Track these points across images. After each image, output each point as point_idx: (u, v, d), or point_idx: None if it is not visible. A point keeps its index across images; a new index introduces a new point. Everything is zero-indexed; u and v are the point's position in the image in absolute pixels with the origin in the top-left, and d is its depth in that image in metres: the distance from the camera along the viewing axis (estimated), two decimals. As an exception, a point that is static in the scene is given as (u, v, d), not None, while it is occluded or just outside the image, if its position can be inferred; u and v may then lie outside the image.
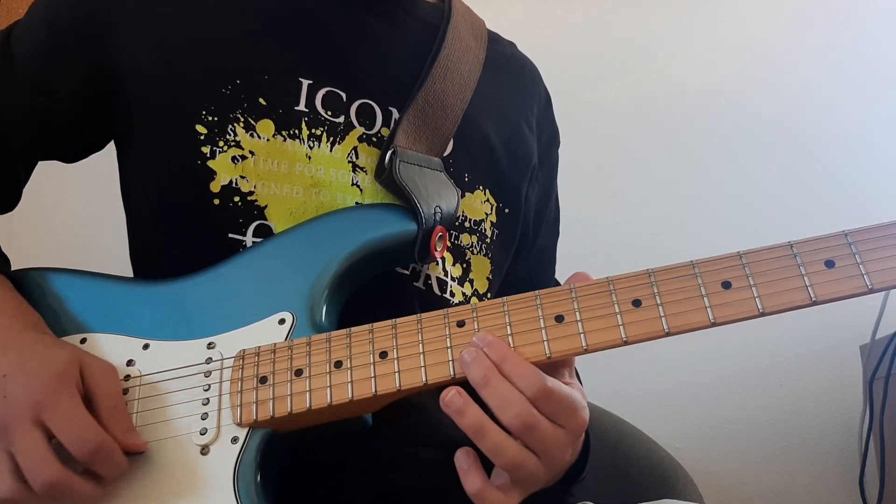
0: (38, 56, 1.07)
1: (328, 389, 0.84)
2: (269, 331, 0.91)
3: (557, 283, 1.19)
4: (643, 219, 2.35)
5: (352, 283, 0.97)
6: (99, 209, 2.11)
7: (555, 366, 0.85)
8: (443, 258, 1.06)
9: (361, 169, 1.04)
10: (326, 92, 1.04)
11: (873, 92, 2.42)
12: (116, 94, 1.05)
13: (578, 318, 0.82)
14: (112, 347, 0.92)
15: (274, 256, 0.96)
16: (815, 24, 2.48)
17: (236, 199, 0.99)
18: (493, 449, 0.80)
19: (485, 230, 1.11)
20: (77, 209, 2.32)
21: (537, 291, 0.85)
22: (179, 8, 1.06)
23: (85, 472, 0.82)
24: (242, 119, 1.00)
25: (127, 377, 0.91)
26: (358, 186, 1.03)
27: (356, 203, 1.02)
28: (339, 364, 0.86)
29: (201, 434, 0.86)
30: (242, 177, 0.99)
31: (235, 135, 1.00)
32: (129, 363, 0.92)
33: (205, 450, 0.85)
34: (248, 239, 0.99)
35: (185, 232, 1.03)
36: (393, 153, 1.01)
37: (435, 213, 0.99)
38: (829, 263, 0.78)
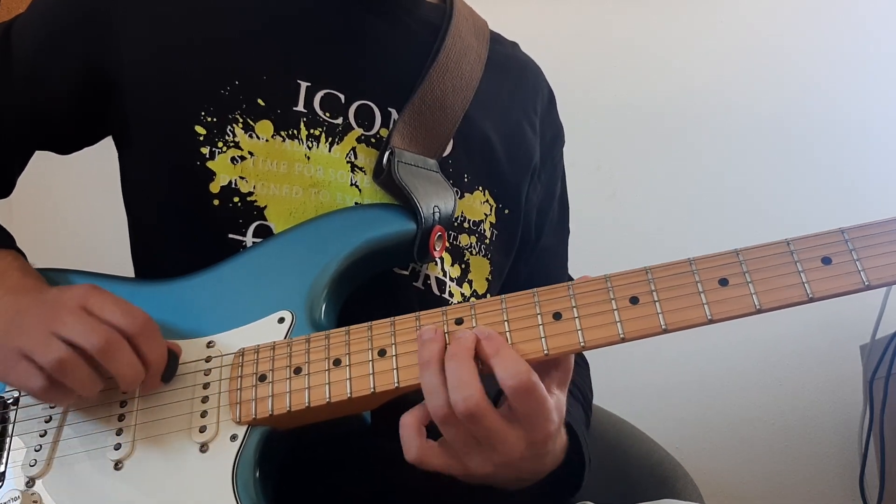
0: (37, 52, 1.07)
1: (327, 387, 0.85)
2: (268, 329, 0.91)
3: (571, 279, 1.19)
4: (643, 219, 2.35)
5: (351, 283, 0.97)
6: (100, 209, 2.11)
7: (547, 372, 0.85)
8: (441, 258, 1.06)
9: (360, 169, 1.04)
10: (325, 94, 1.04)
11: (872, 91, 2.42)
12: (114, 93, 1.06)
13: (576, 315, 0.82)
14: (113, 346, 0.92)
15: (273, 256, 0.97)
16: (816, 23, 2.48)
17: (236, 199, 1.00)
18: (430, 390, 0.81)
19: (484, 231, 1.11)
20: (78, 209, 2.33)
21: (535, 289, 0.85)
22: (179, 8, 1.06)
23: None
24: (241, 120, 1.00)
25: (127, 375, 0.91)
26: (357, 187, 1.03)
27: (355, 203, 1.03)
28: (337, 362, 0.86)
29: (200, 431, 0.86)
30: (242, 177, 1.00)
31: (234, 135, 1.00)
32: (130, 361, 0.92)
33: (204, 447, 0.85)
34: (248, 239, 0.99)
35: (185, 232, 1.03)
36: (391, 154, 1.01)
37: (433, 212, 0.99)
38: (826, 260, 0.78)
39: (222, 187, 0.99)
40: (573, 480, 0.95)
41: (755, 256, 0.80)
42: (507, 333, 0.83)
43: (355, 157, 1.04)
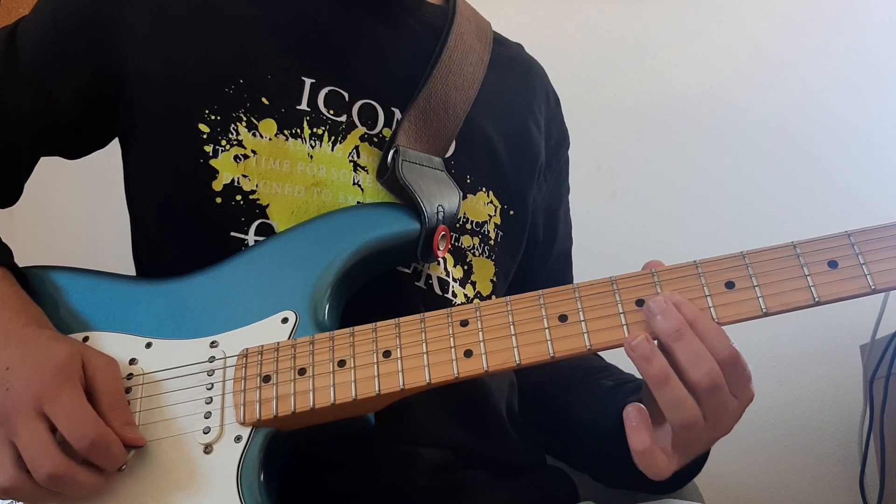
0: (43, 53, 1.07)
1: (331, 388, 0.85)
2: (272, 330, 0.91)
3: None
4: (643, 219, 2.35)
5: (354, 282, 0.97)
6: (102, 208, 2.11)
7: None
8: (444, 259, 1.06)
9: (363, 168, 1.04)
10: (329, 91, 1.04)
11: (875, 92, 2.42)
12: (120, 92, 1.06)
13: (582, 318, 0.82)
14: (115, 346, 0.92)
15: (276, 255, 0.97)
16: (816, 24, 2.48)
17: (238, 197, 0.99)
18: (673, 402, 0.79)
19: (488, 232, 1.11)
20: (80, 208, 2.32)
21: (541, 291, 0.85)
22: (183, 7, 1.06)
23: (86, 463, 0.82)
24: (245, 118, 1.00)
25: (130, 376, 0.91)
26: (359, 186, 1.03)
27: (357, 202, 1.02)
28: (342, 363, 0.86)
29: (204, 433, 0.86)
30: (244, 176, 1.00)
31: (238, 134, 1.00)
32: (132, 362, 0.92)
33: (208, 448, 0.85)
34: (250, 238, 0.99)
35: (187, 230, 1.03)
36: (395, 152, 1.01)
37: (438, 212, 0.99)
38: (833, 264, 0.78)
39: (225, 185, 0.99)
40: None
41: (761, 260, 0.81)
42: (513, 336, 0.83)
43: (358, 157, 1.04)
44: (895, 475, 1.94)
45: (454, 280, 1.07)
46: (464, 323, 0.85)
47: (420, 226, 0.98)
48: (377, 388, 0.84)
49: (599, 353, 1.14)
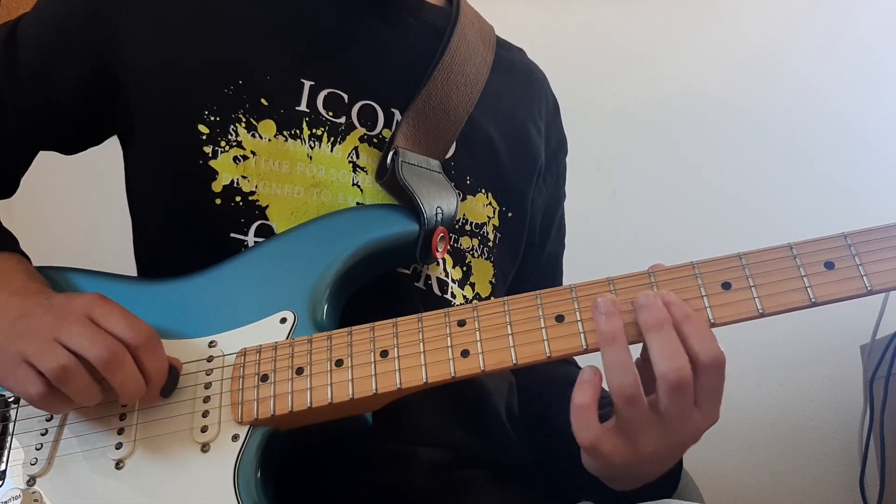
0: (42, 51, 1.07)
1: (329, 387, 0.85)
2: (270, 329, 0.91)
3: None
4: (643, 219, 2.35)
5: (353, 283, 0.97)
6: (102, 208, 2.11)
7: None
8: (443, 259, 1.06)
9: (362, 169, 1.04)
10: (328, 93, 1.04)
11: (874, 94, 2.42)
12: (119, 92, 1.06)
13: (579, 318, 0.82)
14: (114, 346, 0.92)
15: (276, 256, 0.97)
16: (816, 24, 2.48)
17: (238, 198, 1.00)
18: (616, 365, 0.79)
19: (487, 233, 1.11)
20: (80, 208, 2.33)
21: (538, 291, 0.85)
22: (183, 8, 1.06)
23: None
24: (244, 119, 1.00)
25: (129, 375, 0.91)
26: (358, 187, 1.03)
27: (357, 203, 1.03)
28: (339, 362, 0.86)
29: (202, 431, 0.86)
30: (244, 177, 1.00)
31: (237, 135, 1.00)
32: (132, 361, 0.92)
33: (205, 447, 0.86)
34: (250, 239, 1.00)
35: (187, 231, 1.03)
36: (394, 154, 1.01)
37: (436, 213, 0.99)
38: (829, 265, 0.79)
39: (224, 186, 1.00)
40: (672, 484, 0.95)
41: (758, 260, 0.81)
42: (510, 336, 0.83)
43: (357, 157, 1.04)
44: (895, 475, 1.94)
45: (453, 281, 1.07)
46: (461, 323, 0.85)
47: (419, 227, 0.98)
48: (374, 388, 0.84)
49: (575, 361, 1.15)
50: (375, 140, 1.05)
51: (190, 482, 0.84)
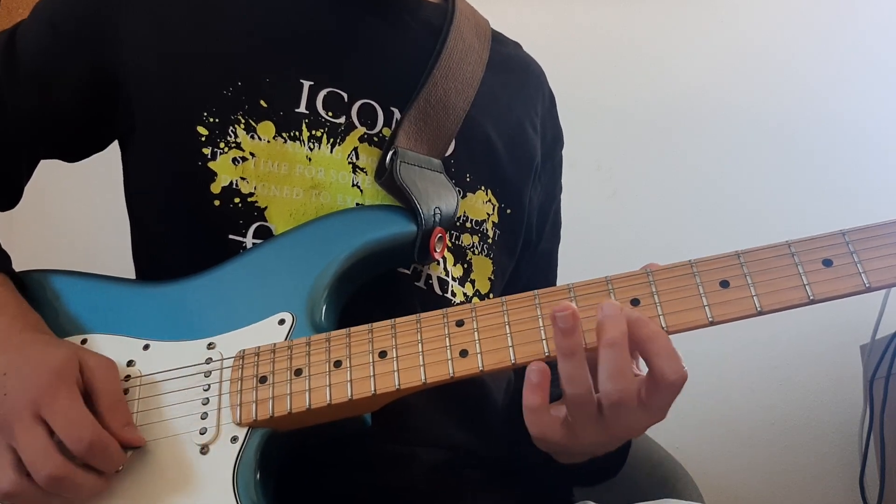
0: (42, 56, 1.07)
1: (327, 389, 0.85)
2: (268, 331, 0.91)
3: None
4: (643, 219, 2.35)
5: (351, 284, 0.97)
6: (101, 210, 2.11)
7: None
8: (444, 258, 1.06)
9: (362, 170, 1.04)
10: (327, 93, 1.04)
11: (873, 93, 2.42)
12: (118, 95, 1.06)
13: None
14: (112, 348, 0.92)
15: (274, 257, 0.97)
16: (816, 24, 2.48)
17: (237, 200, 1.00)
18: (572, 379, 0.79)
19: (486, 230, 1.11)
20: (80, 210, 2.33)
21: (536, 291, 0.85)
22: (181, 10, 1.06)
23: (87, 466, 0.82)
24: (243, 121, 1.01)
25: (127, 377, 0.91)
26: (358, 187, 1.03)
27: (357, 204, 1.03)
28: (338, 363, 0.86)
29: (201, 433, 0.86)
30: (243, 178, 1.00)
31: (236, 136, 1.00)
32: (130, 363, 0.92)
33: (204, 449, 0.85)
34: (249, 240, 0.99)
35: (186, 233, 1.03)
36: (394, 154, 1.01)
37: (434, 214, 0.99)
38: (827, 262, 0.78)
39: (223, 188, 1.00)
40: (619, 462, 0.98)
41: (756, 258, 0.81)
42: (508, 336, 0.83)
43: (357, 158, 1.04)
44: (895, 475, 1.94)
45: (453, 279, 1.07)
46: (459, 323, 0.85)
47: (417, 228, 0.98)
48: (373, 389, 0.84)
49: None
50: (376, 139, 1.05)
51: (189, 484, 0.84)
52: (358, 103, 1.06)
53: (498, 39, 1.24)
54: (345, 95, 1.05)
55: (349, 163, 1.03)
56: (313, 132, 1.02)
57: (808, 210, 2.31)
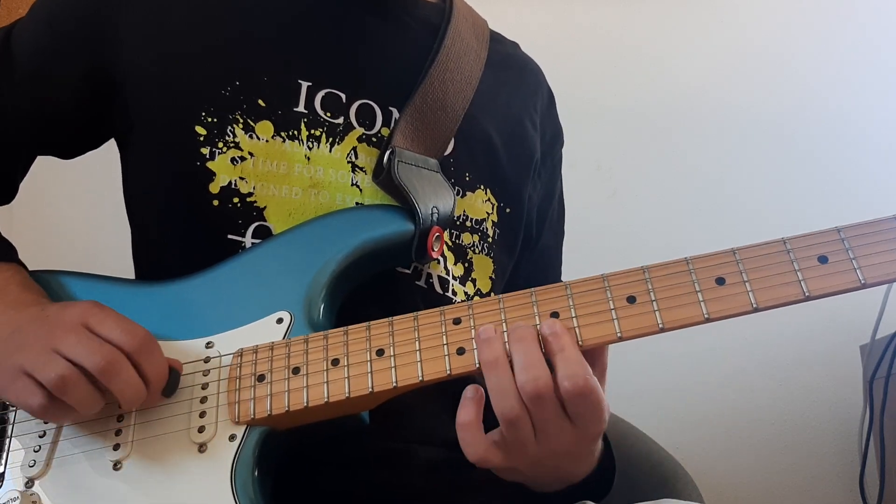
0: (39, 55, 1.07)
1: (325, 386, 0.85)
2: (267, 330, 0.92)
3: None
4: (643, 219, 2.35)
5: (349, 283, 0.98)
6: (101, 211, 2.12)
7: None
8: (444, 257, 1.06)
9: (361, 169, 1.04)
10: (326, 93, 1.05)
11: (872, 92, 2.42)
12: (115, 95, 1.06)
13: (573, 315, 0.82)
14: (112, 348, 0.93)
15: (272, 257, 0.97)
16: (816, 24, 2.48)
17: (235, 200, 1.00)
18: (499, 390, 0.80)
19: (486, 229, 1.11)
20: (79, 211, 2.33)
21: (532, 289, 0.85)
22: (180, 9, 1.06)
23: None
24: (242, 120, 1.01)
25: (126, 377, 0.91)
26: (357, 187, 1.03)
27: (356, 203, 1.03)
28: (335, 361, 0.86)
29: (199, 432, 0.86)
30: (241, 178, 1.00)
31: (234, 136, 1.00)
32: (129, 363, 0.92)
33: (202, 447, 0.86)
34: (247, 240, 1.00)
35: (185, 233, 1.03)
36: (391, 153, 1.01)
37: (432, 213, 0.99)
38: (822, 259, 0.78)
39: (222, 188, 1.00)
40: (603, 487, 0.96)
41: (752, 255, 0.81)
42: (506, 333, 0.83)
43: (356, 157, 1.04)
44: (895, 475, 1.94)
45: (454, 278, 1.07)
46: (456, 321, 0.85)
47: (414, 226, 0.98)
48: (370, 386, 0.84)
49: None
50: (374, 139, 1.05)
51: (187, 482, 0.84)
52: (356, 104, 1.06)
53: (496, 39, 1.25)
54: (343, 96, 1.05)
55: (348, 162, 1.04)
56: (312, 132, 1.03)
57: (809, 210, 2.31)
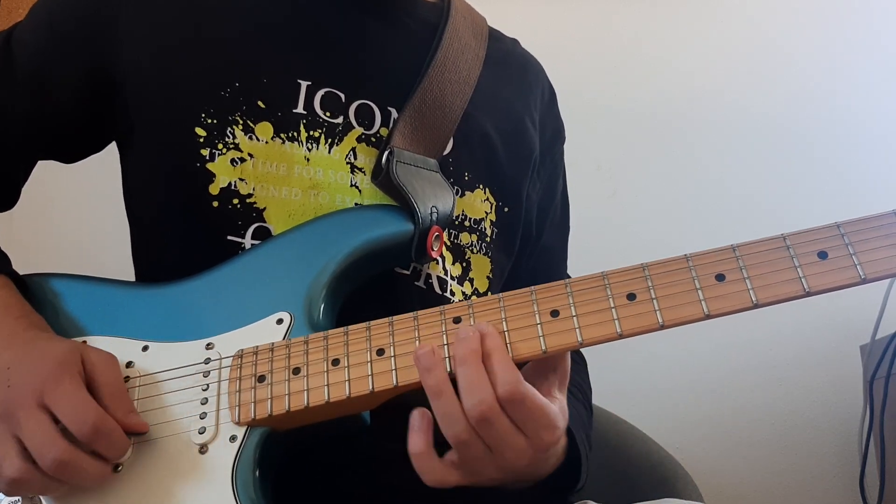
0: (39, 58, 1.07)
1: (325, 387, 0.85)
2: (267, 331, 0.92)
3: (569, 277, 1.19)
4: (643, 219, 2.35)
5: (349, 284, 0.98)
6: (101, 213, 2.11)
7: (545, 376, 0.86)
8: (442, 257, 1.06)
9: (360, 170, 1.04)
10: (325, 93, 1.05)
11: (871, 91, 2.42)
12: (116, 96, 1.06)
13: (574, 313, 0.82)
14: (112, 350, 0.92)
15: (272, 258, 0.97)
16: (815, 23, 2.48)
17: (235, 201, 1.00)
18: (446, 416, 0.81)
19: (484, 229, 1.11)
20: (79, 213, 2.33)
21: (533, 287, 0.85)
22: (179, 11, 1.06)
23: (92, 453, 0.83)
24: (241, 121, 1.01)
25: (126, 378, 0.91)
26: (356, 187, 1.03)
27: (355, 204, 1.03)
28: (336, 362, 0.86)
29: (200, 433, 0.86)
30: (241, 179, 1.00)
31: (234, 137, 1.00)
32: (129, 365, 0.92)
33: (203, 448, 0.86)
34: (247, 241, 1.00)
35: (184, 234, 1.03)
36: (390, 154, 1.01)
37: (431, 213, 1.00)
38: (822, 255, 0.78)
39: (222, 189, 1.00)
40: (573, 477, 0.96)
41: (751, 252, 0.81)
42: (506, 333, 0.83)
43: (355, 158, 1.04)
44: (895, 475, 1.94)
45: (452, 278, 1.07)
46: (457, 320, 0.85)
47: (413, 226, 0.98)
48: (371, 387, 0.84)
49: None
50: (373, 139, 1.06)
51: (188, 483, 0.84)
52: (355, 104, 1.06)
53: (495, 37, 1.25)
54: (342, 96, 1.05)
55: (347, 163, 1.04)
56: (311, 132, 1.03)
57: (809, 210, 2.31)
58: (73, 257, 2.13)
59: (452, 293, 1.07)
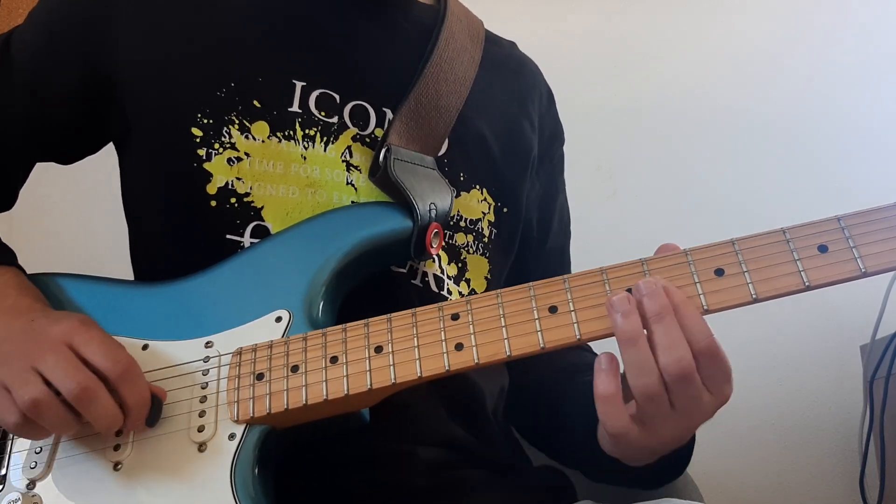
0: (37, 60, 1.08)
1: (324, 384, 0.85)
2: (266, 329, 0.92)
3: None
4: (643, 219, 2.34)
5: (348, 281, 0.98)
6: (100, 213, 2.11)
7: None
8: (438, 256, 1.06)
9: (356, 168, 1.04)
10: (320, 94, 1.05)
11: (870, 91, 2.42)
12: (113, 98, 1.06)
13: (572, 308, 0.82)
14: (112, 348, 0.92)
15: (271, 256, 0.97)
16: (815, 23, 2.48)
17: (233, 200, 1.00)
18: (638, 366, 0.78)
19: (482, 229, 1.11)
20: (78, 213, 2.33)
21: (531, 283, 0.86)
22: (175, 11, 1.07)
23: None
24: (237, 121, 1.01)
25: (125, 377, 0.91)
26: (353, 185, 1.03)
27: (352, 202, 1.03)
28: (334, 359, 0.86)
29: (199, 431, 0.86)
30: (238, 178, 1.00)
31: (231, 137, 1.00)
32: (129, 363, 0.92)
33: (202, 447, 0.86)
34: (246, 240, 1.00)
35: (183, 234, 1.03)
36: (387, 151, 1.01)
37: (430, 209, 1.00)
38: (822, 248, 0.78)
39: (219, 188, 1.00)
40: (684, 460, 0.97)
41: (751, 246, 0.81)
42: (503, 328, 0.83)
43: (351, 156, 1.04)
44: (895, 475, 1.93)
45: (448, 277, 1.07)
46: (455, 317, 0.85)
47: (412, 223, 0.98)
48: (369, 383, 0.84)
49: (589, 346, 1.15)
50: (368, 140, 1.06)
51: (187, 482, 0.84)
52: (350, 104, 1.06)
53: (491, 40, 1.25)
54: (337, 97, 1.06)
55: (343, 161, 1.04)
56: (307, 131, 1.03)
57: (809, 210, 2.29)
58: (72, 257, 2.13)
59: (449, 292, 1.07)
